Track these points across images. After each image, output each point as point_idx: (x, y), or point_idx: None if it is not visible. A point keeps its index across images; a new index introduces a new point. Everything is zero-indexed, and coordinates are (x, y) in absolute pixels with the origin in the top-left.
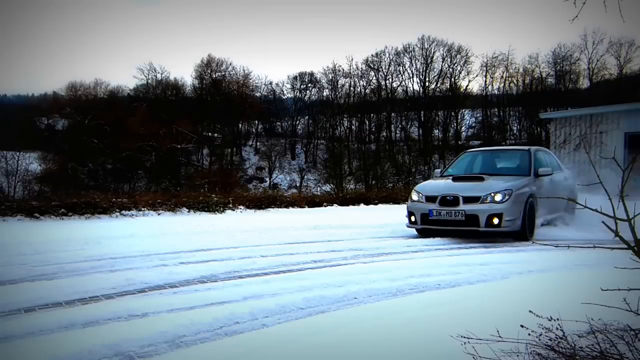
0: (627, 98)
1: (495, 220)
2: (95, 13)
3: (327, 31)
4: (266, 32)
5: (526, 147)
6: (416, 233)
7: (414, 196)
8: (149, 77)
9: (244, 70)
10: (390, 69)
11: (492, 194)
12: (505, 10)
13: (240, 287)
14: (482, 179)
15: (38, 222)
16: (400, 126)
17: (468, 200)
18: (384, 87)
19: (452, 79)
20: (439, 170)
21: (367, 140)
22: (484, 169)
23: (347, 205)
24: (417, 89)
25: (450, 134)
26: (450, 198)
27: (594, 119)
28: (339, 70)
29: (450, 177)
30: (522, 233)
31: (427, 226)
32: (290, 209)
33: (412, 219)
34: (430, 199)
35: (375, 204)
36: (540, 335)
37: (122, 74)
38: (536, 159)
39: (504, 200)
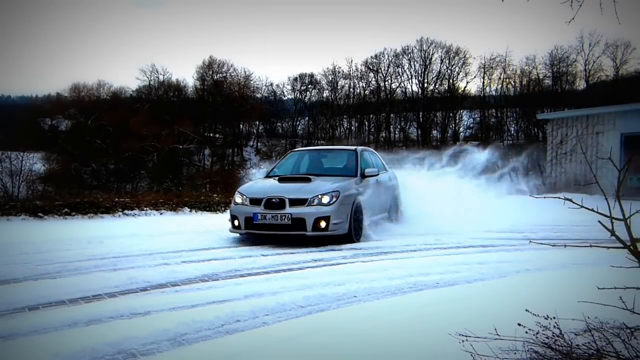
0: (623, 99)
1: (323, 224)
2: (98, 15)
3: (326, 31)
4: (266, 32)
5: (353, 147)
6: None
7: (238, 199)
8: (151, 79)
9: (244, 72)
10: (389, 70)
11: (320, 196)
12: (503, 12)
13: (241, 285)
14: (309, 180)
15: (42, 222)
16: (399, 127)
17: (294, 202)
18: (383, 88)
19: (451, 80)
20: (265, 170)
21: (366, 141)
22: (311, 169)
23: None
24: (416, 90)
25: (448, 135)
26: (276, 200)
27: (590, 120)
28: (339, 72)
29: (277, 178)
30: (349, 236)
31: (251, 231)
32: None
33: (236, 223)
34: (255, 201)
35: None
36: (538, 333)
37: (125, 75)
38: (363, 159)
39: (331, 202)
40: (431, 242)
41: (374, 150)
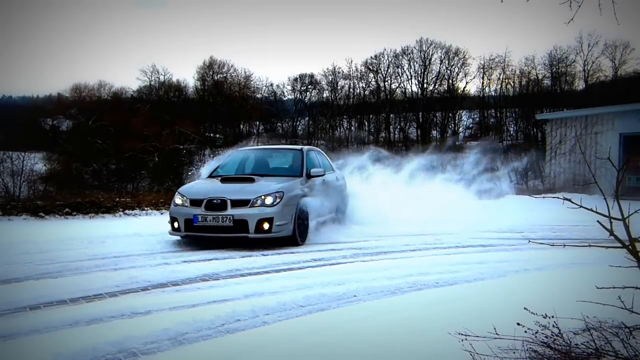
0: (622, 99)
1: (266, 226)
2: (99, 15)
3: (326, 32)
4: (266, 32)
5: (298, 147)
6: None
7: (177, 200)
8: (152, 79)
9: (245, 72)
10: (389, 70)
11: (263, 197)
12: (502, 13)
13: (242, 285)
14: (252, 180)
15: (43, 222)
16: (398, 127)
17: (236, 203)
18: (382, 88)
19: (450, 81)
20: (208, 170)
21: (366, 141)
22: (256, 169)
23: None
24: (416, 90)
25: (448, 135)
26: (217, 202)
27: (589, 120)
28: (339, 72)
29: (219, 178)
30: (293, 238)
31: (191, 233)
32: None
33: (175, 225)
34: (195, 202)
35: None
36: (537, 332)
37: (126, 76)
38: (308, 159)
39: (274, 203)
40: (430, 241)
41: (321, 150)
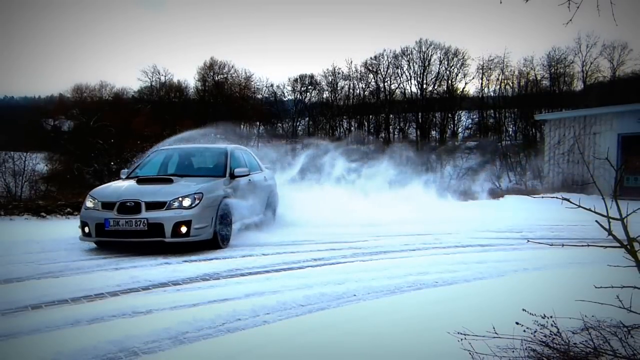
0: (620, 100)
1: (183, 229)
2: (100, 16)
3: (326, 32)
4: (266, 32)
5: (223, 146)
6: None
7: (89, 202)
8: (152, 80)
9: (245, 73)
10: (388, 71)
11: (180, 199)
12: (501, 14)
13: (242, 284)
14: (170, 181)
15: (44, 222)
16: (398, 127)
17: (152, 206)
18: (382, 89)
19: (449, 82)
20: (127, 170)
21: (365, 141)
22: (179, 169)
23: None
24: (415, 91)
25: (447, 135)
26: (131, 204)
27: (587, 121)
28: (339, 73)
29: (136, 179)
30: (215, 241)
31: (103, 238)
32: None
33: (86, 230)
34: (107, 205)
35: None
36: (535, 331)
37: (127, 77)
38: (233, 158)
39: (193, 205)
40: (430, 241)
41: (248, 149)
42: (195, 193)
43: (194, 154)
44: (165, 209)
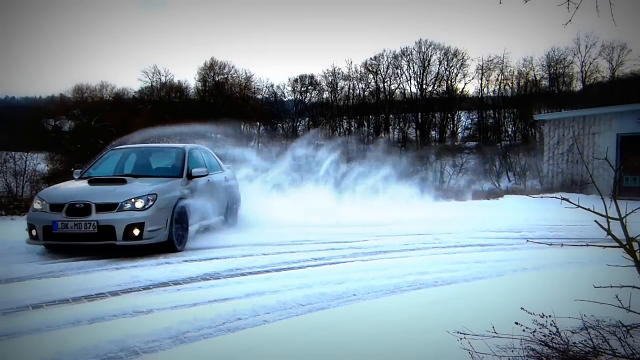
0: (619, 100)
1: (136, 231)
2: (101, 16)
3: (326, 33)
4: (266, 33)
5: (181, 145)
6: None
7: (36, 204)
8: (153, 80)
9: (245, 73)
10: (388, 71)
11: (133, 200)
12: (501, 14)
13: (243, 284)
14: (124, 182)
15: None
16: (398, 127)
17: (102, 208)
18: (382, 89)
19: (449, 82)
20: (79, 170)
21: (365, 142)
22: (135, 170)
23: None
24: (415, 91)
25: (446, 135)
26: (81, 206)
27: (586, 121)
28: (339, 73)
29: (88, 180)
30: (170, 244)
31: (51, 242)
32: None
33: (34, 232)
34: (55, 207)
35: None
36: (535, 331)
37: (128, 77)
38: (191, 158)
39: (146, 206)
40: (429, 241)
41: (207, 149)
42: (149, 194)
43: (150, 154)
44: (117, 211)
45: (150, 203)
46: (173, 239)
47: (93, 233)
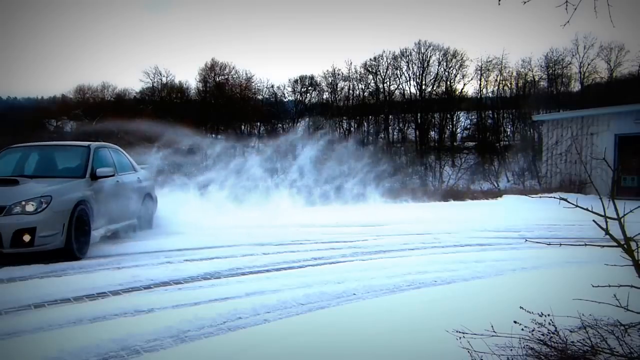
0: (617, 101)
1: (27, 238)
2: (101, 16)
3: (325, 34)
4: (266, 33)
5: (86, 144)
6: None
7: None
8: (154, 81)
9: (246, 74)
10: (388, 72)
11: (23, 203)
12: (499, 15)
13: (243, 283)
14: (15, 183)
15: None
16: (397, 128)
17: None
18: (382, 90)
19: (448, 83)
20: None
21: (365, 142)
22: (32, 170)
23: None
24: (414, 92)
25: (445, 136)
26: None
27: (585, 121)
28: (339, 74)
29: None
30: (68, 251)
31: None
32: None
33: None
34: None
35: None
36: (533, 330)
37: (129, 77)
38: (97, 157)
39: (39, 210)
40: (429, 240)
41: (118, 148)
42: (42, 196)
43: (52, 153)
44: (4, 215)
45: (44, 206)
46: (72, 245)
47: None
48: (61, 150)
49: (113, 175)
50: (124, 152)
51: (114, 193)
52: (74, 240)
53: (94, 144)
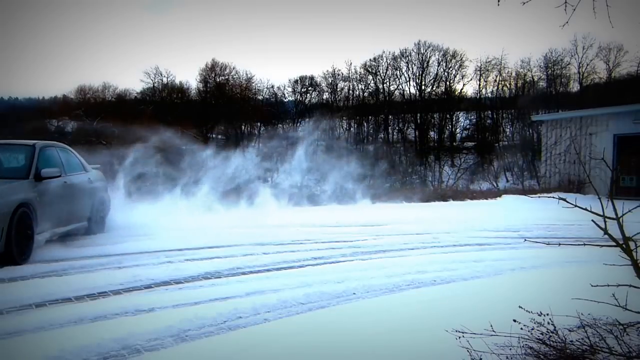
0: (616, 101)
1: None
2: (103, 18)
3: (326, 34)
4: (266, 34)
5: (31, 142)
6: None
7: None
8: (155, 81)
9: (246, 74)
10: (387, 73)
11: None
12: (499, 15)
13: (243, 283)
14: None
15: None
16: (397, 128)
17: None
18: (381, 90)
19: (447, 83)
20: None
21: (365, 142)
22: None
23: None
24: (414, 92)
25: (445, 136)
26: None
27: (584, 121)
28: (339, 75)
29: None
30: (8, 255)
31: None
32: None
33: None
34: None
35: None
36: (532, 329)
37: (130, 78)
38: (42, 157)
39: None
40: (428, 240)
41: (67, 147)
42: None
43: None
44: None
45: None
46: (12, 249)
47: None
48: (5, 150)
49: (60, 176)
50: (74, 151)
51: (60, 194)
52: (14, 245)
53: (39, 143)
